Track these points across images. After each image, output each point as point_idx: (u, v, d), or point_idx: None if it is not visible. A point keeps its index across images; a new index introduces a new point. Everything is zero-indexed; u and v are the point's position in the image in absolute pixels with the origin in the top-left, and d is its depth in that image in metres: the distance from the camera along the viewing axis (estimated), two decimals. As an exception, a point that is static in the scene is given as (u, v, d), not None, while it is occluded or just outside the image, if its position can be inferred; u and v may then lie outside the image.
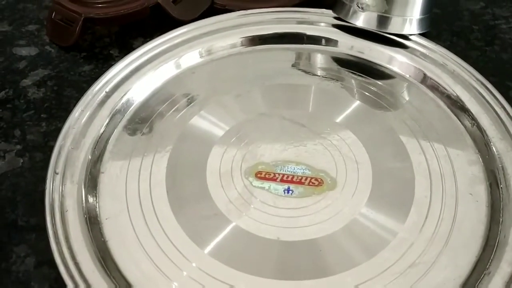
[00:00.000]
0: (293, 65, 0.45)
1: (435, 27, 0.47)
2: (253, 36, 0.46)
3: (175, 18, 0.47)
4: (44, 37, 0.49)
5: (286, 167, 0.37)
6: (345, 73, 0.44)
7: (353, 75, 0.44)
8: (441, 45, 0.45)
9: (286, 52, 0.46)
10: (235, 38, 0.46)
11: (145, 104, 0.41)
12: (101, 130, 0.39)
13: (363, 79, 0.43)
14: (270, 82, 0.43)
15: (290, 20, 0.47)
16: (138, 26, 0.49)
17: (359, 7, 0.43)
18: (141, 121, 0.40)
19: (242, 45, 0.46)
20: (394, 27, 0.43)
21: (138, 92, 0.42)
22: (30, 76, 0.46)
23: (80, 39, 0.48)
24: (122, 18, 0.47)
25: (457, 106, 0.40)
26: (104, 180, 0.36)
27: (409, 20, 0.43)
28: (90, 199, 0.35)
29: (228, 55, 0.46)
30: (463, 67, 0.41)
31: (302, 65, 0.45)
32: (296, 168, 0.37)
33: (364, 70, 0.44)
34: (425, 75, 0.42)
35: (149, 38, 0.48)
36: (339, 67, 0.45)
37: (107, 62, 0.46)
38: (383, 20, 0.43)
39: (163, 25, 0.47)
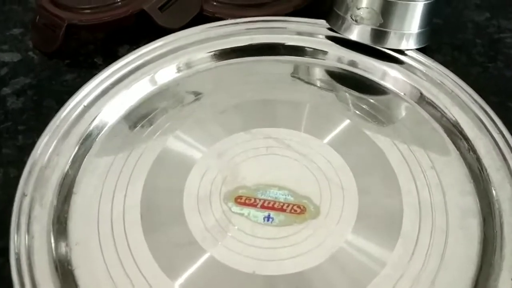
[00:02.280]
0: (283, 79, 0.43)
1: (436, 40, 0.44)
2: (241, 46, 0.44)
3: (162, 26, 0.45)
4: (28, 42, 0.48)
5: (268, 192, 0.35)
6: (337, 87, 0.42)
7: (346, 90, 0.42)
8: (440, 59, 0.42)
9: (276, 65, 0.44)
10: (222, 49, 0.44)
11: (122, 121, 0.39)
12: (76, 147, 0.37)
13: (356, 95, 0.41)
14: (258, 96, 0.41)
15: (282, 30, 0.44)
16: (124, 33, 0.47)
17: (353, 19, 0.41)
18: (118, 139, 0.38)
19: (228, 57, 0.44)
20: (390, 42, 0.41)
21: (116, 107, 0.40)
22: (11, 85, 0.44)
23: (64, 45, 0.46)
24: (106, 25, 0.45)
25: (453, 129, 0.37)
26: (76, 201, 0.35)
27: (407, 34, 0.41)
28: (60, 223, 0.34)
29: (215, 67, 0.43)
30: (461, 87, 0.39)
31: (292, 79, 0.43)
32: (278, 193, 0.35)
33: (357, 86, 0.42)
34: (421, 94, 0.40)
35: (135, 46, 0.46)
36: (332, 81, 0.43)
37: (90, 71, 0.44)
38: (378, 34, 0.41)
39: (150, 32, 0.45)
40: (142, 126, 0.39)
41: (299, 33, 0.44)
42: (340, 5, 0.42)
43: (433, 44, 0.44)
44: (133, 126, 0.39)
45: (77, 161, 0.37)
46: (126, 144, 0.38)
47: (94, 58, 0.46)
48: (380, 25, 0.40)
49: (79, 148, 0.37)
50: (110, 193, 0.35)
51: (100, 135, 0.38)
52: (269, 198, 0.35)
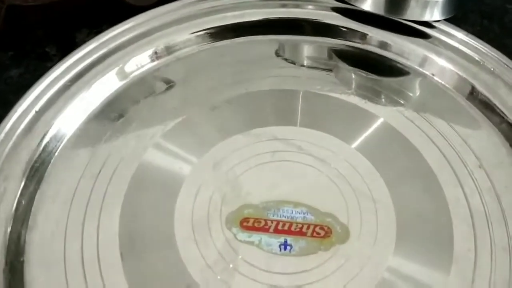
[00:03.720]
0: (285, 63, 0.35)
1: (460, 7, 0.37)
2: (229, 25, 0.36)
3: (130, 3, 0.36)
4: (-40, 30, 0.38)
5: (281, 211, 0.28)
6: (348, 71, 0.35)
7: (360, 74, 0.34)
8: (469, 31, 0.35)
9: (272, 45, 0.36)
10: (206, 29, 0.35)
11: (87, 127, 0.31)
12: (29, 168, 0.29)
13: (373, 80, 0.34)
14: (256, 87, 0.33)
15: (276, 3, 0.36)
16: (82, 13, 0.38)
17: (367, -15, 0.33)
18: (83, 153, 0.30)
19: (216, 38, 0.36)
20: (411, 12, 0.33)
21: (77, 111, 0.31)
22: None
23: (6, 32, 0.37)
24: (58, 5, 0.36)
25: (501, 119, 0.31)
26: (35, 241, 0.27)
27: (432, 2, 0.33)
28: (14, 274, 0.25)
29: (199, 51, 0.35)
30: (506, 64, 0.32)
31: (293, 63, 0.35)
32: (294, 212, 0.28)
33: (374, 68, 0.34)
34: (457, 75, 0.33)
35: (96, 30, 0.37)
36: (341, 63, 0.35)
37: (41, 64, 0.36)
38: (397, 3, 0.33)
39: (115, 12, 0.36)
40: (112, 134, 0.30)
41: (299, 6, 0.36)
42: (348, -31, 0.34)
43: (458, 12, 0.36)
44: (100, 134, 0.30)
45: (31, 187, 0.28)
46: (94, 159, 0.29)
47: (45, 47, 0.37)
48: (402, -8, 0.33)
49: (32, 169, 0.29)
50: (78, 227, 0.27)
51: (58, 149, 0.30)
52: (284, 219, 0.28)
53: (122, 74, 0.33)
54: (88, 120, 0.31)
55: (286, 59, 0.35)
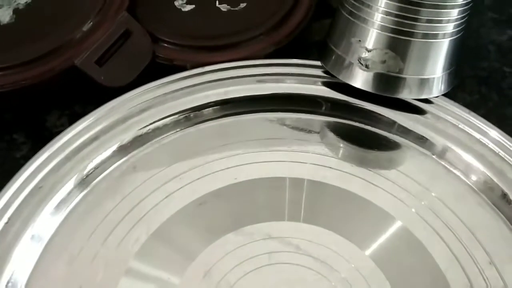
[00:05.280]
0: (274, 144, 0.32)
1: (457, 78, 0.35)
2: (214, 103, 0.33)
3: (102, 84, 0.33)
4: None
5: (281, 326, 0.26)
6: (346, 152, 0.32)
7: (356, 156, 0.32)
8: (467, 100, 0.34)
9: (263, 125, 0.33)
10: (187, 109, 0.33)
11: (56, 246, 0.27)
12: (0, 292, 0.26)
13: (371, 159, 0.32)
14: (244, 175, 0.31)
15: (264, 79, 0.34)
16: (53, 94, 0.35)
17: (361, 63, 0.31)
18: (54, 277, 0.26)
19: (198, 120, 0.33)
20: (407, 90, 0.31)
21: (48, 220, 0.28)
22: None
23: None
24: (25, 91, 0.33)
25: (509, 207, 0.29)
26: None
27: (430, 80, 0.31)
28: None
29: (181, 136, 0.33)
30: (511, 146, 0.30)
31: (283, 144, 0.32)
32: (295, 327, 0.26)
33: (370, 146, 0.32)
34: (460, 156, 0.30)
35: (68, 111, 0.35)
36: (337, 140, 0.33)
37: (9, 154, 0.33)
38: (391, 81, 0.31)
39: (88, 90, 0.34)
40: (82, 254, 0.27)
41: (287, 80, 0.34)
42: (339, 43, 0.32)
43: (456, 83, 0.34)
44: (73, 254, 0.27)
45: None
46: None
47: (13, 133, 0.34)
48: (399, 71, 0.31)
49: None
50: None
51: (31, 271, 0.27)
52: (285, 336, 0.25)
53: (87, 180, 0.30)
54: (60, 232, 0.28)
55: (275, 138, 0.33)
